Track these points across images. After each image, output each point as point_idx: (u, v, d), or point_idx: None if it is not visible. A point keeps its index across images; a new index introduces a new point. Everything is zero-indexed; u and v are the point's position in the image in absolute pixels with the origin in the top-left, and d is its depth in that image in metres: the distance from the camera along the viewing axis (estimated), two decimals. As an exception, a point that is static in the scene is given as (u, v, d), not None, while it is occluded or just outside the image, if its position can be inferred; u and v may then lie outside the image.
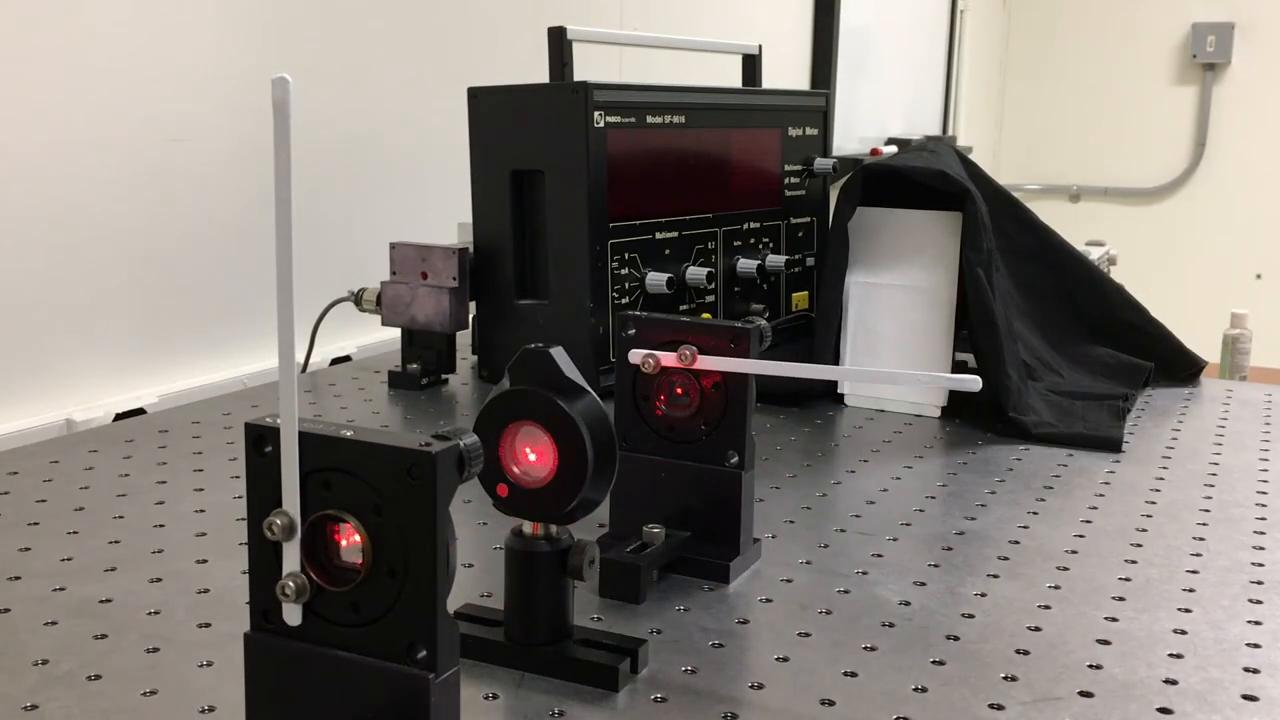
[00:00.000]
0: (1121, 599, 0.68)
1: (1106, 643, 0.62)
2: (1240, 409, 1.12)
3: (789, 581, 0.70)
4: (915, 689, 0.57)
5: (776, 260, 1.23)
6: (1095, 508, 0.84)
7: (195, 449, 0.92)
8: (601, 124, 1.05)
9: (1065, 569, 0.72)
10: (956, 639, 0.62)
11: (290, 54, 1.28)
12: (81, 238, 1.08)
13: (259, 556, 0.44)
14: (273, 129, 0.39)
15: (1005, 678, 0.58)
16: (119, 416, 1.08)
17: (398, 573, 0.43)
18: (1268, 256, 4.05)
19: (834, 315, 1.09)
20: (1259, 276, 4.06)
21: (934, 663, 0.59)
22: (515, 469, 0.56)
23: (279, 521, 0.43)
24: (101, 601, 0.65)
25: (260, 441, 0.44)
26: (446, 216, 1.30)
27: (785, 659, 0.60)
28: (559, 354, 0.55)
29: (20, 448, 0.92)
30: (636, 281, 1.09)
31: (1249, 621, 0.65)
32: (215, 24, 1.20)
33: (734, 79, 1.42)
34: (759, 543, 0.73)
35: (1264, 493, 0.88)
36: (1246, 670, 0.59)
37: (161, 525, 0.76)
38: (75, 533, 0.75)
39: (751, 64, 1.40)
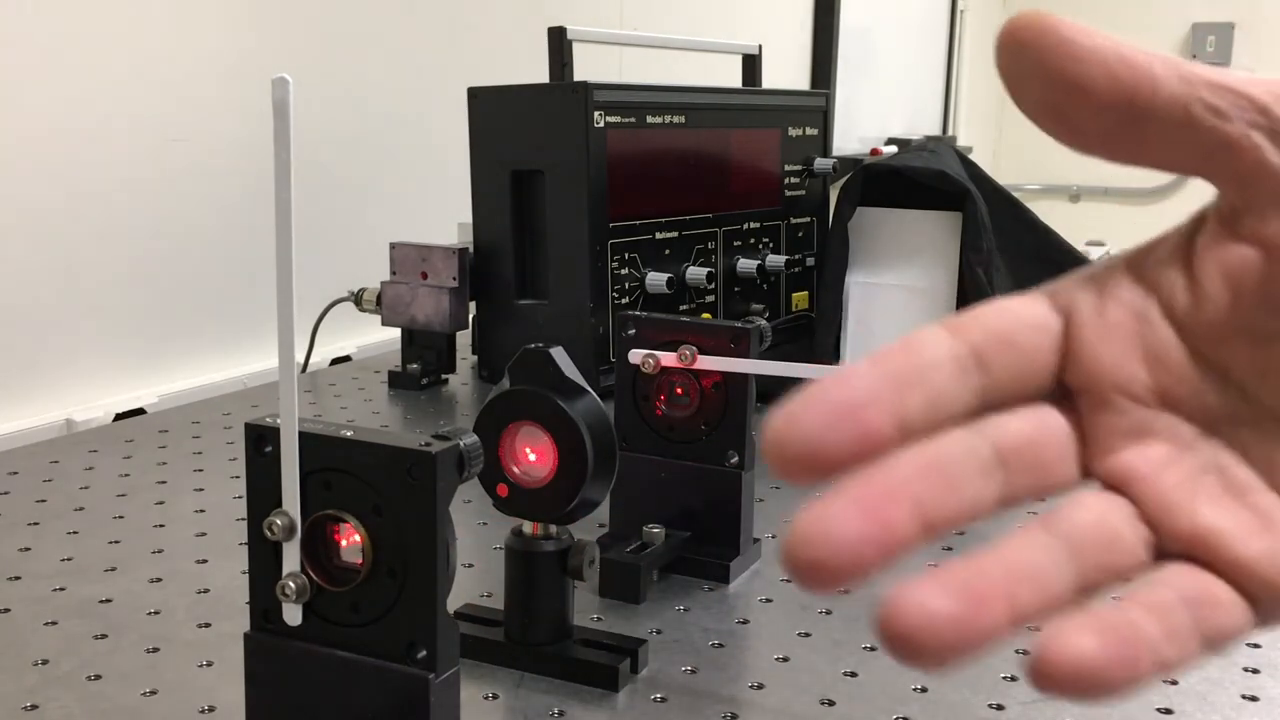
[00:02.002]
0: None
1: (1106, 643, 0.62)
2: (1240, 409, 1.12)
3: (789, 581, 0.69)
4: (915, 689, 0.57)
5: (776, 260, 1.23)
6: (1095, 508, 0.84)
7: (195, 449, 0.92)
8: (601, 124, 1.05)
9: (1065, 569, 0.72)
10: (956, 639, 0.62)
11: (290, 54, 1.28)
12: (81, 237, 1.08)
13: (259, 556, 0.44)
14: (273, 129, 0.39)
15: (1005, 678, 0.58)
16: (119, 416, 1.08)
17: (398, 573, 0.43)
18: (1268, 257, 4.05)
19: (834, 315, 1.09)
20: (1259, 276, 4.05)
21: (934, 663, 0.59)
22: (515, 469, 0.56)
23: (279, 521, 0.43)
24: (101, 601, 0.65)
25: (260, 441, 0.44)
26: (446, 216, 1.30)
27: (785, 659, 0.60)
28: (559, 354, 0.55)
29: (20, 448, 0.92)
30: (636, 281, 1.09)
31: (1249, 621, 0.65)
32: (215, 24, 1.20)
33: (734, 79, 1.42)
34: (759, 543, 0.73)
35: (1264, 493, 0.88)
36: (1246, 670, 0.59)
37: (161, 525, 0.76)
38: (75, 533, 0.75)
39: (751, 64, 1.40)
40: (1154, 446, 0.26)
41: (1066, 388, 0.27)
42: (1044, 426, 0.27)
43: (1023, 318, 0.27)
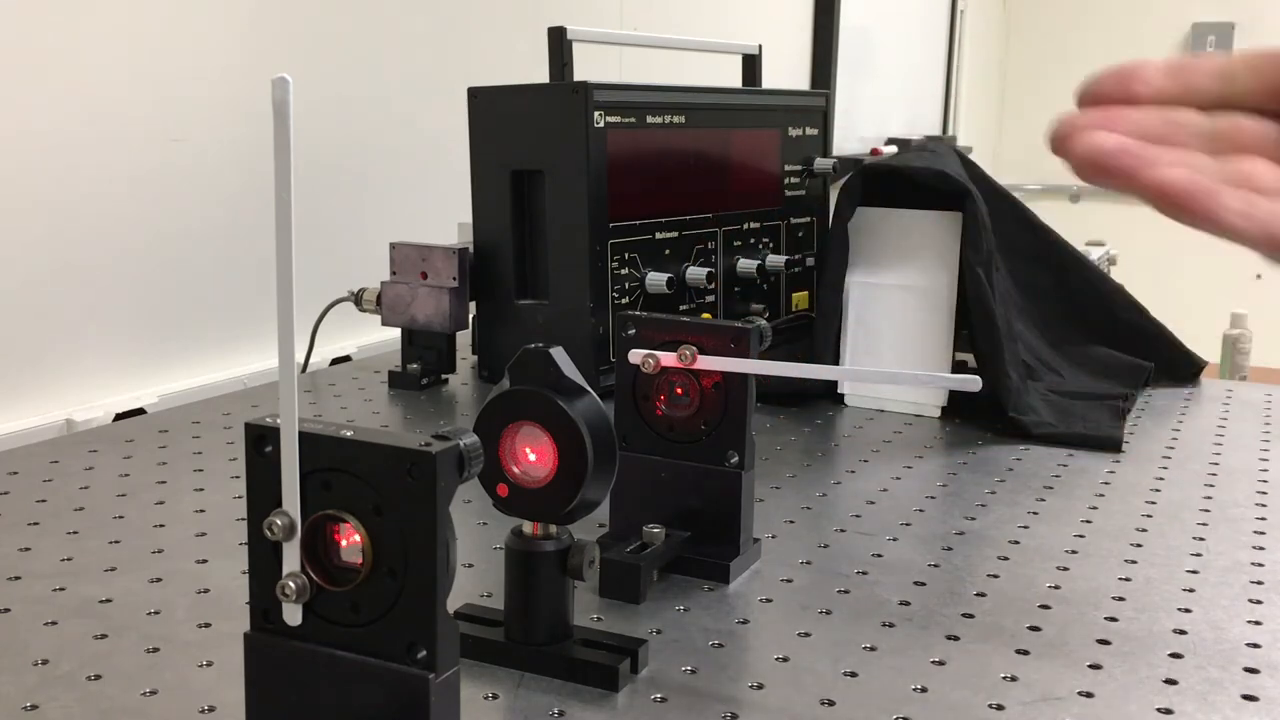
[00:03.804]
0: (1121, 599, 0.68)
1: (1106, 643, 0.62)
2: (1240, 409, 1.12)
3: (789, 581, 0.70)
4: (915, 689, 0.57)
5: (776, 260, 1.23)
6: (1095, 508, 0.84)
7: (195, 449, 0.92)
8: (601, 124, 1.05)
9: (1065, 569, 0.72)
10: (956, 639, 0.62)
11: (291, 54, 1.28)
12: (81, 237, 1.08)
13: (259, 556, 0.44)
14: (273, 129, 0.39)
15: (1005, 678, 0.58)
16: (119, 416, 1.08)
17: (398, 573, 0.43)
18: (1268, 256, 4.05)
19: (834, 315, 1.09)
20: (1259, 276, 4.06)
21: (934, 663, 0.59)
22: (515, 469, 0.56)
23: (279, 521, 0.43)
24: (101, 601, 0.65)
25: (260, 441, 0.44)
26: (446, 216, 1.30)
27: (785, 659, 0.60)
28: (559, 354, 0.55)
29: (20, 448, 0.92)
30: (636, 281, 1.09)
31: (1249, 621, 0.65)
32: (215, 24, 1.20)
33: (734, 79, 1.42)
34: (759, 543, 0.73)
35: (1264, 493, 0.88)
36: (1246, 670, 0.59)
37: (161, 525, 0.76)
38: (75, 533, 0.75)
39: (751, 64, 1.40)
40: None
41: None
42: (1260, 126, 0.41)
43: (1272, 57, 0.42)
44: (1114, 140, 0.41)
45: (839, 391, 1.11)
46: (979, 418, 1.04)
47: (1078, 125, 0.42)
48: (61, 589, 0.66)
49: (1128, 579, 0.71)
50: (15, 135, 1.02)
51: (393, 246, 1.13)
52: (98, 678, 0.56)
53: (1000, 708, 0.55)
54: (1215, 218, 0.39)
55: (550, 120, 1.06)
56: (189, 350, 1.20)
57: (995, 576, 0.71)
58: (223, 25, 1.20)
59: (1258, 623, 0.65)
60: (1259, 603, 0.68)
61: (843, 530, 0.78)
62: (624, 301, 1.08)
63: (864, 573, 0.71)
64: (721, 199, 1.19)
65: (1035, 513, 0.82)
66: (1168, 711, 0.55)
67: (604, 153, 1.05)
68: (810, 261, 1.30)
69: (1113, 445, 0.97)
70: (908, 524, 0.80)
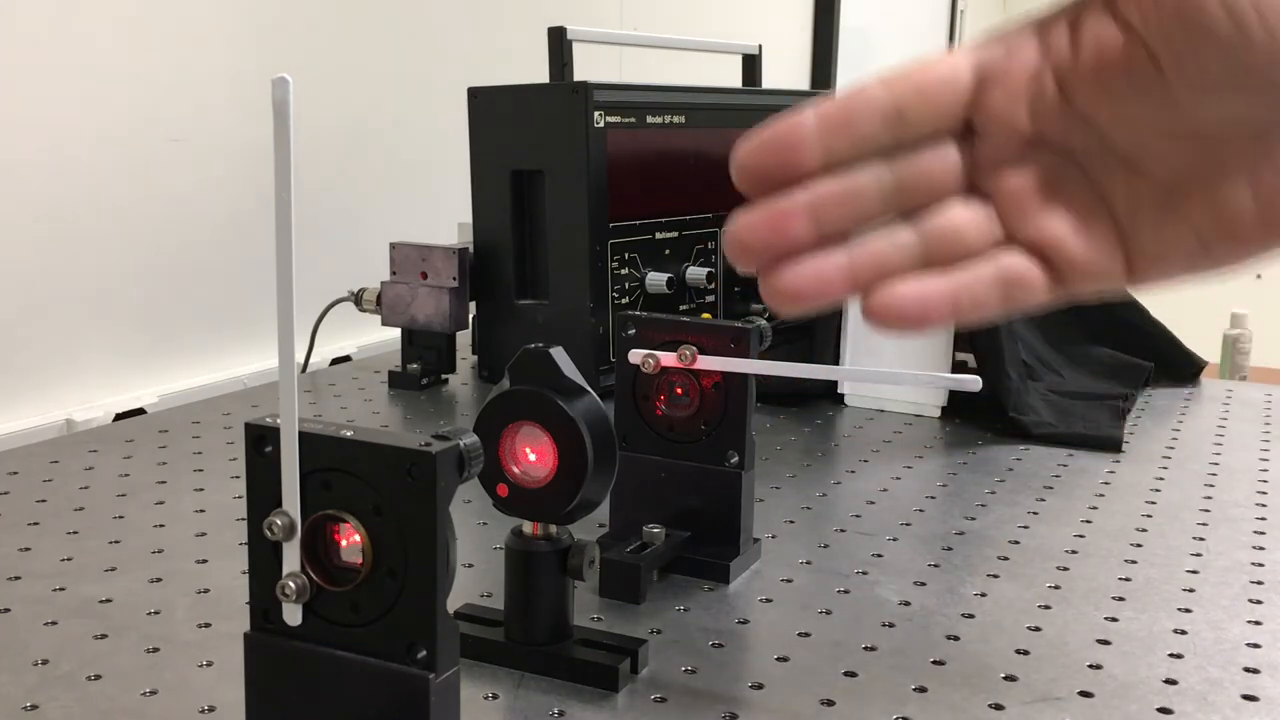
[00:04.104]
0: (1121, 599, 0.68)
1: (1106, 643, 0.62)
2: (1240, 409, 1.12)
3: (789, 581, 0.70)
4: (915, 689, 0.57)
5: (776, 260, 1.23)
6: (1095, 508, 0.84)
7: (195, 449, 0.92)
8: (601, 124, 1.05)
9: (1065, 569, 0.72)
10: (956, 639, 0.62)
11: (290, 54, 1.28)
12: (81, 237, 1.08)
13: (259, 556, 0.44)
14: (273, 129, 0.39)
15: (1005, 678, 0.58)
16: (119, 416, 1.08)
17: (398, 573, 0.43)
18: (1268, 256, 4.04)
19: (834, 315, 1.09)
20: (1259, 276, 4.05)
21: (934, 663, 0.59)
22: (515, 469, 0.56)
23: (279, 521, 0.43)
24: (101, 601, 0.65)
25: (260, 441, 0.44)
26: (446, 216, 1.30)
27: (785, 659, 0.60)
28: (559, 354, 0.55)
29: (20, 448, 0.92)
30: (636, 281, 1.09)
31: (1249, 621, 0.65)
32: (215, 24, 1.20)
33: (734, 79, 1.42)
34: (759, 543, 0.73)
35: (1264, 493, 0.88)
36: (1246, 670, 0.59)
37: (161, 525, 0.76)
38: (75, 533, 0.75)
39: (751, 64, 1.40)
40: (1023, 171, 0.36)
41: (970, 126, 0.36)
42: (941, 158, 0.36)
43: (943, 76, 0.36)
44: (801, 280, 0.35)
45: (839, 391, 1.11)
46: (979, 418, 1.04)
47: (746, 241, 0.35)
48: (61, 589, 0.66)
49: (1128, 579, 0.71)
50: (15, 135, 1.02)
51: (393, 246, 1.13)
52: (98, 678, 0.56)
53: (1000, 708, 0.55)
54: (969, 317, 0.36)
55: (550, 120, 1.06)
56: (189, 350, 1.20)
57: (995, 576, 0.71)
58: (223, 25, 1.20)
59: (1258, 623, 0.65)
60: (1259, 603, 0.68)
61: (843, 530, 0.78)
62: (624, 301, 1.08)
63: (864, 573, 0.71)
64: (721, 199, 1.19)
65: (1035, 513, 0.82)
66: (1168, 711, 0.55)
67: (604, 153, 1.05)
68: (810, 261, 1.30)
69: (1113, 445, 0.97)
70: (908, 524, 0.80)
